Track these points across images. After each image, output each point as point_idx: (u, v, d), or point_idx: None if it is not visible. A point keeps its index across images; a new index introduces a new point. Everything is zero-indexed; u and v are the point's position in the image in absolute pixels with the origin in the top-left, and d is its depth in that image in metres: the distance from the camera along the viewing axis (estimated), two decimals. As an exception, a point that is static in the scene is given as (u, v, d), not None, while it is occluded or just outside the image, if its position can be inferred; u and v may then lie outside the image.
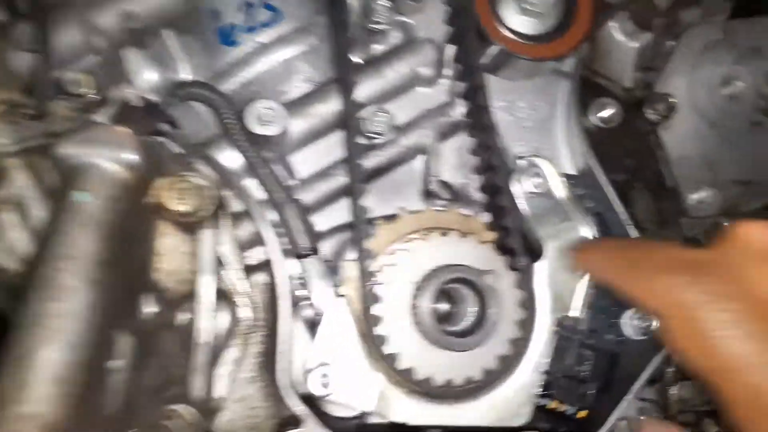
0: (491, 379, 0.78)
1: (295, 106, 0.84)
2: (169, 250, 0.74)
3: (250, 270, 0.82)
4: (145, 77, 0.87)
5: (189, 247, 0.75)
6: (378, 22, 0.85)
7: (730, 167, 1.05)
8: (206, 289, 0.72)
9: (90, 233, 0.59)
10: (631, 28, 0.98)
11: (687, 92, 1.03)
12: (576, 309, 0.81)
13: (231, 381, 0.77)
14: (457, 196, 0.89)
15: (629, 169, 0.92)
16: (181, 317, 0.74)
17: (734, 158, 1.04)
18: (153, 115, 0.83)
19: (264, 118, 0.76)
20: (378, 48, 0.88)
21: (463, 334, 0.78)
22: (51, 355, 0.57)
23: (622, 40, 1.00)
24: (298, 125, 0.84)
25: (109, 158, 0.61)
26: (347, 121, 0.79)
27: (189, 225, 0.72)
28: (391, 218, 0.83)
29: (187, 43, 0.87)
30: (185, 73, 0.88)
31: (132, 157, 0.62)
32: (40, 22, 0.73)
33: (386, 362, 0.77)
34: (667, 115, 0.93)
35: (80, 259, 0.58)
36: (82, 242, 0.59)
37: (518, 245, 0.79)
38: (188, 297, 0.75)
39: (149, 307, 0.71)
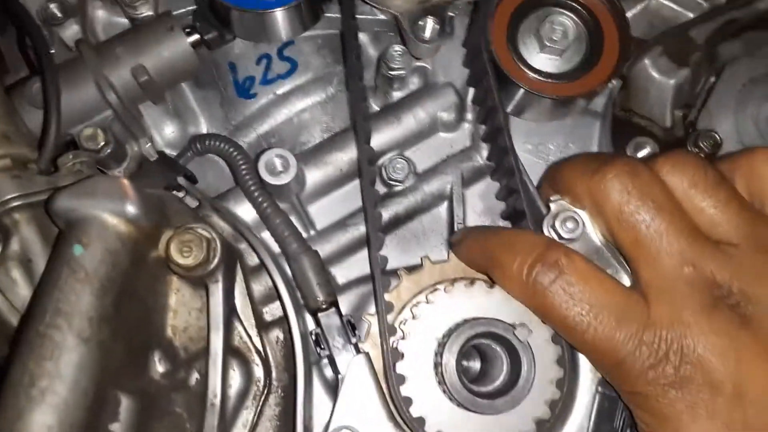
0: (528, 445, 0.71)
1: (311, 155, 0.82)
2: (181, 306, 0.71)
3: (266, 327, 0.78)
4: (165, 131, 0.87)
5: (201, 303, 0.72)
6: (395, 68, 0.83)
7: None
8: (217, 346, 0.68)
9: (85, 288, 0.56)
10: (666, 65, 0.93)
11: (733, 130, 0.97)
12: (621, 366, 0.73)
13: (244, 447, 0.72)
14: (485, 244, 0.83)
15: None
16: (192, 377, 0.70)
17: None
18: (170, 169, 0.82)
19: (275, 168, 0.73)
20: (397, 95, 0.86)
21: (494, 395, 0.71)
22: (43, 418, 0.54)
23: (658, 77, 0.94)
24: (315, 175, 0.81)
25: (107, 210, 0.59)
26: (361, 167, 0.75)
27: (199, 279, 0.69)
28: (413, 269, 0.78)
29: (205, 96, 0.87)
30: (203, 127, 0.88)
31: (131, 209, 0.60)
32: (53, 79, 0.74)
33: (411, 427, 0.70)
34: (713, 152, 0.86)
35: (74, 316, 0.55)
36: (77, 298, 0.56)
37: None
38: (200, 355, 0.71)
39: (158, 367, 0.67)
